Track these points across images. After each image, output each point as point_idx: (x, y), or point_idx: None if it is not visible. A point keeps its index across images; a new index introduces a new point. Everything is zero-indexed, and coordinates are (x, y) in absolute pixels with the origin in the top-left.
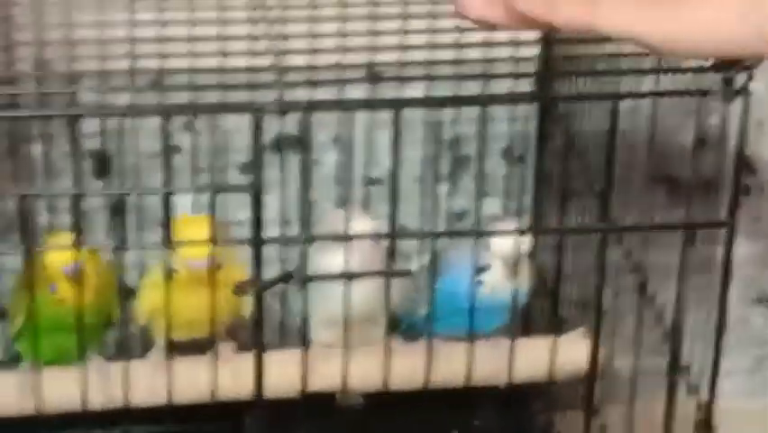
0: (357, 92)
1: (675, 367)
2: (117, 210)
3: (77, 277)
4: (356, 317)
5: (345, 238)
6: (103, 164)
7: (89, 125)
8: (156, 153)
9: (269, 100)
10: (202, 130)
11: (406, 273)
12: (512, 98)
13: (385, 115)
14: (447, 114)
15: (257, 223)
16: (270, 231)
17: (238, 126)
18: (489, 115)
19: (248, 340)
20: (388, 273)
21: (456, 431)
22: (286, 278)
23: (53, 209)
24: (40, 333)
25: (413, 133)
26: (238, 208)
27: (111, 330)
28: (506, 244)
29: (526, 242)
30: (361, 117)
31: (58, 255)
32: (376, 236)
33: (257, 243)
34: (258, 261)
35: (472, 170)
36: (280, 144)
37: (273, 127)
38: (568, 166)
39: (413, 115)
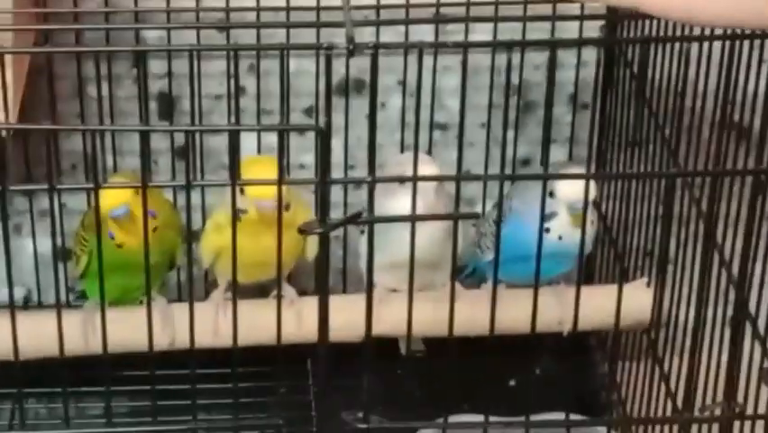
0: (423, 35)
1: (741, 316)
2: (183, 150)
3: (125, 221)
4: (420, 261)
5: (411, 180)
6: (168, 106)
7: (155, 67)
8: (221, 96)
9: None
10: (266, 72)
11: (474, 216)
12: (581, 42)
13: (451, 61)
14: (513, 59)
15: (325, 163)
16: (335, 170)
17: (301, 69)
18: (558, 59)
19: (311, 284)
20: (455, 216)
21: (514, 380)
22: (353, 219)
23: (120, 151)
24: (102, 275)
25: (478, 79)
26: (300, 152)
27: (174, 272)
28: (572, 190)
29: (593, 189)
30: (426, 62)
31: (108, 199)
32: (442, 179)
33: (324, 183)
34: (325, 201)
35: (538, 117)
36: (346, 87)
37: (338, 70)
38: (636, 113)
39: (479, 61)
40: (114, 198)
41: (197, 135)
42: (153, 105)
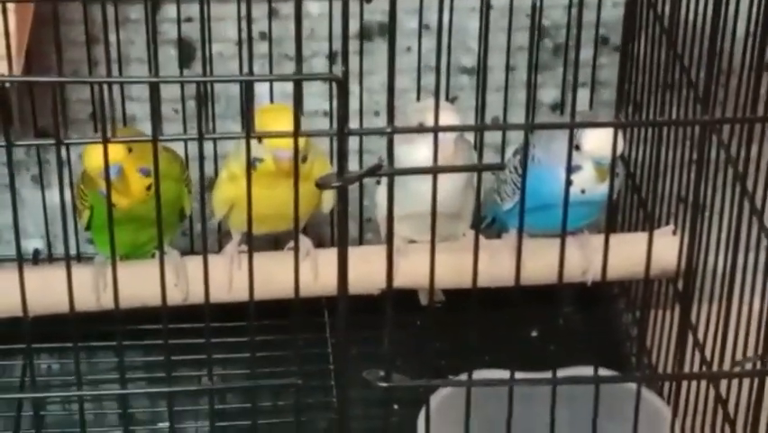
0: None
1: None
2: (199, 98)
3: (116, 181)
4: (440, 212)
5: (432, 131)
6: (186, 53)
7: (171, 11)
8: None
9: None
10: (288, 16)
11: (497, 167)
12: None
13: (476, 1)
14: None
15: (343, 114)
16: (353, 119)
17: (324, 12)
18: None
19: (327, 235)
20: (478, 168)
21: (536, 331)
22: (372, 171)
23: (139, 99)
24: (102, 229)
25: (505, 20)
26: (321, 98)
27: (186, 224)
28: (598, 145)
29: (620, 144)
30: (455, 2)
31: (95, 159)
32: (463, 129)
33: (342, 135)
34: (343, 153)
35: (565, 60)
36: (368, 32)
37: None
38: (665, 56)
39: (505, 1)
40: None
41: (210, 85)
42: (172, 52)
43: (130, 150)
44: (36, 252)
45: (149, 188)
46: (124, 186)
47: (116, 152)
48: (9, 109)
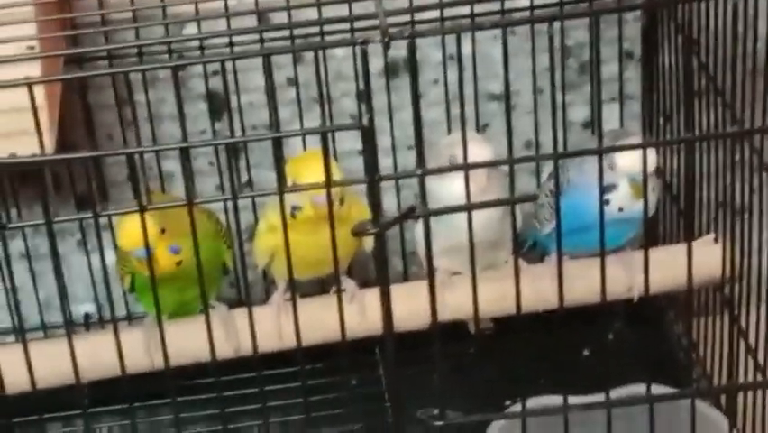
0: (462, 7)
1: None
2: (230, 159)
3: (148, 261)
4: (479, 243)
5: (462, 168)
6: (216, 105)
7: (198, 67)
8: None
9: (374, 25)
10: (312, 61)
11: (531, 199)
12: (621, 9)
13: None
14: (558, 24)
15: (372, 161)
16: (385, 158)
17: (347, 54)
18: (605, 18)
19: (373, 273)
20: (511, 201)
21: (588, 350)
22: (406, 215)
23: (167, 157)
24: (145, 291)
25: (529, 44)
26: (353, 137)
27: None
28: (633, 162)
29: (653, 160)
30: (477, 32)
31: (127, 239)
32: (494, 164)
33: (373, 182)
34: (376, 199)
35: (591, 77)
36: (395, 68)
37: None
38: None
39: (527, 26)
40: (133, 240)
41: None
42: (202, 106)
43: (163, 230)
44: (86, 316)
45: (179, 263)
46: (154, 263)
47: (148, 233)
48: (45, 186)
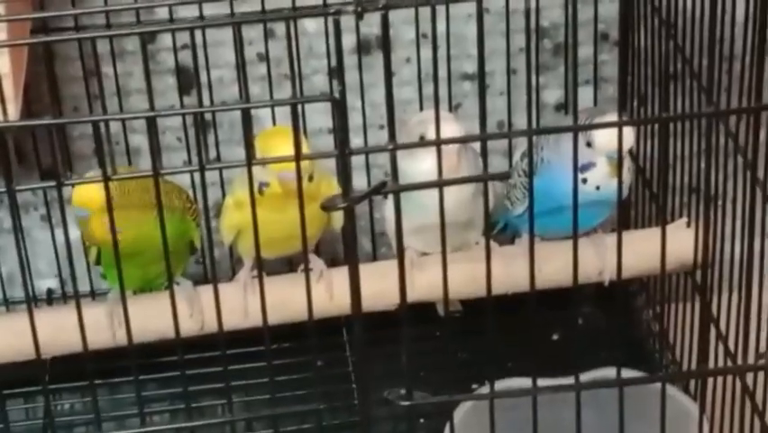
0: None
1: None
2: (198, 129)
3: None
4: (449, 222)
5: (434, 144)
6: (185, 80)
7: (167, 40)
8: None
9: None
10: (283, 37)
11: (504, 176)
12: None
13: (473, 8)
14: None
15: (343, 135)
16: (355, 138)
17: (319, 30)
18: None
19: (341, 252)
20: (484, 178)
21: (557, 334)
22: (377, 190)
23: (141, 130)
24: (111, 265)
25: (503, 24)
26: (322, 114)
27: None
28: (611, 140)
29: (631, 137)
30: (453, 11)
31: (77, 197)
32: (466, 140)
33: (344, 155)
34: (346, 173)
35: (566, 59)
36: (367, 46)
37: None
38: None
39: (502, 4)
40: (81, 199)
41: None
42: (171, 81)
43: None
44: (50, 291)
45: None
46: (91, 231)
47: (92, 198)
48: (7, 154)
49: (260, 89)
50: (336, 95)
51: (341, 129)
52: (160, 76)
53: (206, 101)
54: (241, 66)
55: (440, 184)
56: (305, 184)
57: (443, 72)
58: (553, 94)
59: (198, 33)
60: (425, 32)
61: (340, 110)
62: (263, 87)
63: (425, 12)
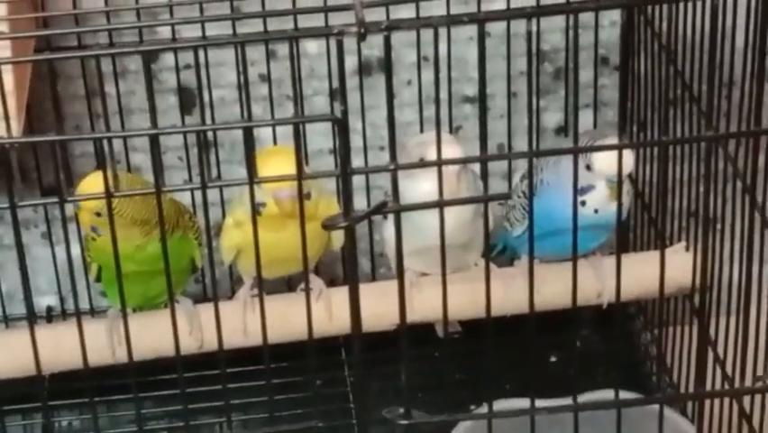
0: (438, 9)
1: None
2: (200, 147)
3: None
4: (449, 243)
5: (435, 165)
6: (187, 100)
7: (170, 60)
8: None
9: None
10: (285, 57)
11: (504, 197)
12: (599, 7)
13: (474, 31)
14: (534, 26)
15: (345, 154)
16: (356, 159)
17: (322, 51)
18: (582, 23)
19: (340, 272)
20: (484, 199)
21: (555, 356)
22: (378, 209)
23: (143, 149)
24: (112, 282)
25: (504, 47)
26: (323, 136)
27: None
28: (611, 163)
29: (631, 161)
30: (453, 33)
31: (84, 215)
32: (466, 161)
33: (346, 175)
34: (348, 192)
35: (566, 83)
36: (368, 67)
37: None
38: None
39: (503, 28)
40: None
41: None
42: (172, 100)
43: (98, 214)
44: (49, 309)
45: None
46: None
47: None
48: (10, 169)
49: (261, 110)
50: (338, 114)
51: (343, 148)
52: (162, 95)
53: (208, 120)
54: (243, 84)
55: (440, 204)
56: (303, 203)
57: (443, 94)
58: (553, 117)
59: (201, 53)
60: (426, 55)
61: (342, 129)
62: (265, 108)
63: (426, 35)
